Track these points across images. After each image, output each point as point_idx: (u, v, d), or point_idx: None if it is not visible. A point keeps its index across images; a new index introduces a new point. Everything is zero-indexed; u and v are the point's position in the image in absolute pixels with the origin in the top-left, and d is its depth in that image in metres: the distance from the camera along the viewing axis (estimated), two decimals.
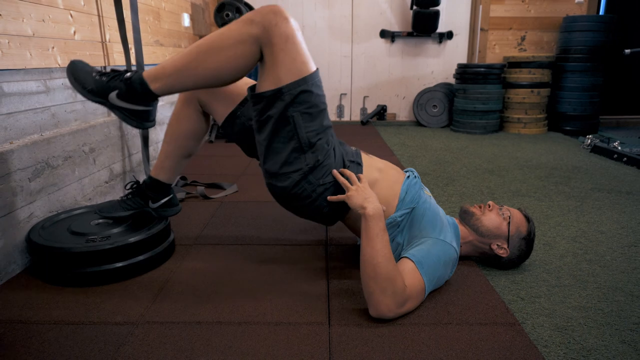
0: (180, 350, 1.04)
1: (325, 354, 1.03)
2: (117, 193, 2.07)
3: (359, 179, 1.28)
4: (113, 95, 1.20)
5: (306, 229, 1.77)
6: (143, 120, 1.24)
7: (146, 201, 1.51)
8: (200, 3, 3.69)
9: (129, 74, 1.20)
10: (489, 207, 1.45)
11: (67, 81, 1.76)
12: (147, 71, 1.20)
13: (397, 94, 4.61)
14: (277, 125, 1.22)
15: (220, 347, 1.06)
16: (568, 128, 4.02)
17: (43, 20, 1.57)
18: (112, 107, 1.22)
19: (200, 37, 3.66)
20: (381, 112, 4.59)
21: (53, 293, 1.29)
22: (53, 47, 1.63)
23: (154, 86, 1.19)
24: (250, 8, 3.71)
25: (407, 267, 1.20)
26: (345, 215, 1.36)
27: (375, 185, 1.33)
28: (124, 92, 1.19)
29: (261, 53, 1.18)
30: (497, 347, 1.07)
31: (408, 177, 1.42)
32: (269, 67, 1.19)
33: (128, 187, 1.56)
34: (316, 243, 1.65)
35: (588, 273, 1.46)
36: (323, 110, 1.26)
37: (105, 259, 1.34)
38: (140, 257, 1.39)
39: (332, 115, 4.65)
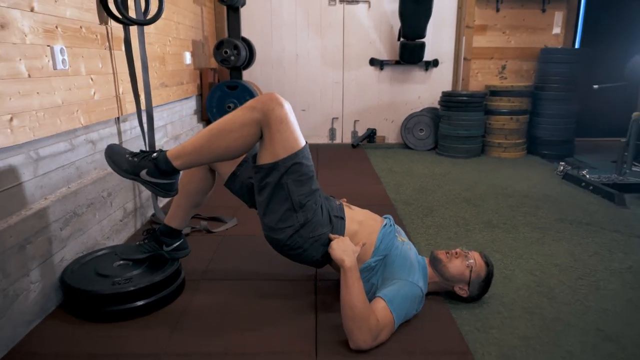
0: None
1: None
2: (130, 229, 2.32)
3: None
4: (144, 173, 1.48)
5: (297, 265, 2.02)
6: (168, 190, 1.53)
7: (160, 245, 1.77)
8: (200, 39, 3.95)
9: (155, 154, 1.47)
10: (456, 254, 1.70)
11: (88, 137, 2.01)
12: (170, 151, 1.48)
13: (386, 118, 4.89)
14: (274, 190, 1.49)
15: None
16: (545, 152, 4.29)
17: (70, 89, 1.82)
18: (143, 182, 1.50)
19: (200, 70, 3.92)
20: (371, 135, 4.86)
21: (86, 329, 1.54)
22: (77, 110, 1.88)
23: (176, 163, 1.47)
24: (247, 43, 3.99)
25: (380, 305, 1.46)
26: (332, 261, 1.62)
27: (355, 236, 1.60)
28: (152, 170, 1.47)
29: (261, 132, 1.45)
30: None
31: (385, 225, 1.68)
32: (267, 143, 1.46)
33: (145, 233, 1.81)
34: (307, 278, 1.91)
35: (536, 305, 1.72)
36: (311, 177, 1.52)
37: (129, 299, 1.59)
38: (158, 296, 1.64)
39: (325, 138, 4.92)
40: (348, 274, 1.44)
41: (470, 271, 1.65)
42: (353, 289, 1.42)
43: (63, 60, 1.75)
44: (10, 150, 1.51)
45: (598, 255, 2.16)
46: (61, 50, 1.74)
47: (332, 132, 4.92)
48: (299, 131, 1.50)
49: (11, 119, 1.47)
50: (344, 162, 4.12)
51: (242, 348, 1.44)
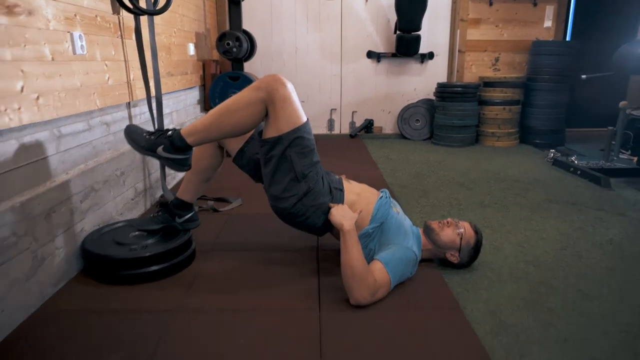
0: (210, 329, 1.43)
1: (317, 330, 1.43)
2: (141, 207, 2.45)
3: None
4: (160, 149, 1.62)
5: (300, 238, 2.16)
6: (182, 165, 1.67)
7: (173, 217, 1.90)
8: (203, 31, 4.07)
9: (170, 132, 1.62)
10: (447, 223, 1.84)
11: (102, 119, 2.14)
12: (183, 129, 1.62)
13: (383, 109, 5.02)
14: (279, 162, 1.62)
15: (239, 327, 1.45)
16: (537, 141, 4.44)
17: (87, 73, 1.95)
18: (159, 158, 1.65)
19: (203, 62, 4.05)
20: (368, 126, 5.00)
21: (107, 290, 1.68)
22: (94, 93, 2.01)
23: (189, 140, 1.60)
24: (248, 36, 4.11)
25: (377, 267, 1.60)
26: (332, 228, 1.76)
27: (353, 205, 1.74)
28: (168, 147, 1.61)
29: (266, 110, 1.58)
30: (442, 325, 1.47)
31: (381, 197, 1.82)
32: (272, 120, 1.59)
33: (159, 206, 1.94)
34: (310, 249, 2.05)
35: (523, 271, 1.86)
36: (313, 150, 1.65)
37: (145, 263, 1.72)
38: (172, 262, 1.78)
39: (323, 129, 5.05)
40: (347, 236, 1.58)
41: (461, 239, 1.78)
42: (352, 250, 1.55)
43: (82, 46, 1.87)
44: (37, 126, 1.63)
45: (582, 230, 2.30)
46: (80, 37, 1.87)
47: (330, 123, 5.05)
48: (301, 108, 1.63)
49: (37, 98, 1.60)
50: (342, 151, 4.26)
51: (253, 305, 1.58)
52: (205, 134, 1.63)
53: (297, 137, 1.60)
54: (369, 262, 1.63)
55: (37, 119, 1.60)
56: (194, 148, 1.67)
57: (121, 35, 2.29)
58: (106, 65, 2.13)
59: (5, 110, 1.43)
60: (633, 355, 1.34)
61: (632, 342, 1.40)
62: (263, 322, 1.48)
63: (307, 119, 1.66)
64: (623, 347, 1.37)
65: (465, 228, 1.82)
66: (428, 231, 1.84)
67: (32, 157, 1.60)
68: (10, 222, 1.41)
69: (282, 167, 1.63)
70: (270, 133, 1.61)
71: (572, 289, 1.72)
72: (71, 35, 1.82)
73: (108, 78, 2.14)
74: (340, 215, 1.63)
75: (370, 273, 1.55)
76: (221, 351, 1.34)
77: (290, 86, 1.60)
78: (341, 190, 1.76)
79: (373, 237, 1.73)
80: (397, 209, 1.85)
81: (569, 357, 1.33)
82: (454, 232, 1.81)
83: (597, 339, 1.42)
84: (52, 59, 1.70)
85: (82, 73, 1.91)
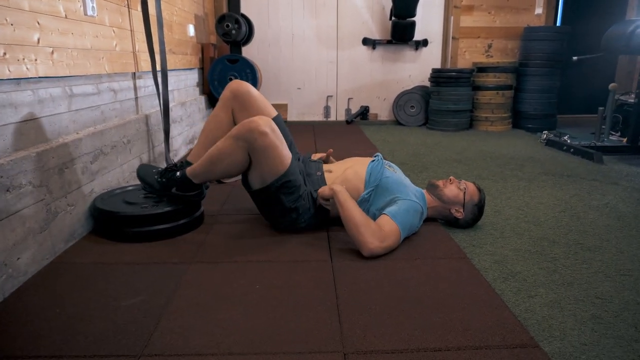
0: (226, 277, 1.46)
1: (331, 278, 1.46)
2: None
3: None
4: (174, 190, 1.78)
5: None
6: (198, 199, 1.85)
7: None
8: (202, 14, 4.09)
9: (178, 174, 1.76)
10: (450, 181, 1.90)
11: (110, 85, 2.15)
12: (188, 170, 1.76)
13: (378, 96, 5.08)
14: (270, 204, 1.76)
15: (254, 275, 1.48)
16: (530, 125, 4.53)
17: (97, 36, 1.96)
18: (176, 197, 1.79)
19: (202, 45, 4.06)
20: (364, 113, 5.05)
21: (119, 246, 1.69)
22: (103, 58, 2.02)
23: (195, 181, 1.76)
24: (246, 19, 4.13)
25: (384, 219, 1.64)
26: (330, 215, 1.82)
27: (346, 177, 1.81)
28: (180, 187, 1.78)
29: (249, 156, 1.67)
30: (451, 271, 1.52)
31: (373, 160, 1.86)
32: (256, 167, 1.69)
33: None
34: None
35: (525, 229, 1.92)
36: (298, 186, 1.74)
37: (156, 220, 1.74)
38: (182, 221, 1.80)
39: (320, 116, 5.09)
40: (339, 195, 1.65)
41: (464, 194, 1.83)
42: (347, 205, 1.63)
43: (92, 7, 1.89)
44: (51, 80, 1.65)
45: (578, 196, 2.38)
46: None
47: (326, 110, 5.09)
48: (283, 151, 1.68)
49: (52, 52, 1.62)
50: (339, 135, 4.30)
51: (266, 258, 1.61)
52: (207, 177, 1.80)
53: (283, 182, 1.69)
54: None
55: (51, 73, 1.61)
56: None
57: (128, 5, 2.30)
58: (114, 32, 2.14)
59: (23, 59, 1.45)
60: (636, 293, 1.40)
61: (634, 283, 1.46)
62: (277, 271, 1.51)
63: (291, 157, 1.72)
64: (626, 288, 1.43)
65: (467, 185, 1.87)
66: (432, 189, 1.89)
67: (46, 112, 1.62)
68: (28, 170, 1.43)
69: (274, 206, 1.76)
70: (256, 183, 1.73)
71: (573, 242, 1.78)
72: None
73: (115, 45, 2.16)
74: (328, 187, 1.72)
75: (370, 220, 1.62)
76: (239, 294, 1.36)
77: (270, 130, 1.63)
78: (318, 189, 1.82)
79: (371, 202, 1.77)
80: (393, 169, 1.89)
81: (574, 296, 1.38)
82: (457, 187, 1.86)
83: (600, 281, 1.47)
84: (66, 16, 1.71)
85: (92, 35, 1.92)
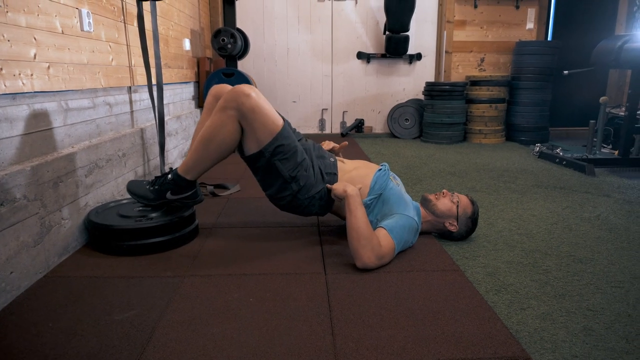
0: (220, 290, 1.46)
1: (324, 291, 1.47)
2: None
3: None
4: (169, 194, 1.74)
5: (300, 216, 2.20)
6: (194, 199, 1.80)
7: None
8: (198, 29, 4.13)
9: (169, 176, 1.73)
10: (443, 194, 1.92)
11: (106, 99, 2.17)
12: (179, 168, 1.73)
13: (373, 109, 5.12)
14: (266, 171, 1.72)
15: (248, 288, 1.48)
16: (522, 138, 4.58)
17: (93, 51, 1.99)
18: (171, 202, 1.76)
19: (198, 59, 4.10)
20: (359, 125, 5.09)
21: (113, 259, 1.69)
22: (99, 72, 2.04)
23: (188, 177, 1.72)
24: (242, 34, 4.18)
25: (381, 233, 1.65)
26: (332, 208, 1.83)
27: (352, 177, 1.80)
28: (174, 189, 1.74)
29: (241, 125, 1.64)
30: (444, 283, 1.52)
31: (380, 169, 1.88)
32: (249, 133, 1.66)
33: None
34: (310, 225, 2.09)
35: (517, 241, 1.94)
36: (295, 152, 1.71)
37: (151, 234, 1.74)
38: (177, 234, 1.80)
39: (315, 129, 5.12)
40: (350, 200, 1.63)
41: (457, 206, 1.85)
42: (356, 213, 1.60)
43: (89, 23, 1.91)
44: (47, 95, 1.66)
45: (570, 208, 2.40)
46: (87, 14, 1.91)
47: (321, 123, 5.13)
48: (273, 113, 1.68)
49: (48, 67, 1.63)
50: None
51: (260, 270, 1.61)
52: (200, 167, 1.73)
53: (277, 145, 1.66)
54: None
55: (47, 88, 1.63)
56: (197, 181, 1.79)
57: (124, 20, 2.33)
58: (110, 47, 2.16)
59: (19, 74, 1.46)
60: (626, 305, 1.41)
61: (625, 295, 1.47)
62: (271, 284, 1.51)
63: (284, 120, 1.72)
64: (617, 300, 1.44)
65: (460, 197, 1.89)
66: (425, 202, 1.90)
67: (41, 126, 1.63)
68: (22, 184, 1.43)
69: (270, 174, 1.72)
70: (251, 148, 1.68)
71: (565, 254, 1.80)
72: (80, 11, 1.86)
73: (112, 60, 2.18)
74: (343, 185, 1.70)
75: (374, 235, 1.60)
76: (233, 308, 1.37)
77: (254, 93, 1.63)
78: (335, 174, 1.83)
79: (372, 209, 1.78)
80: (397, 182, 1.91)
81: (566, 308, 1.39)
82: (450, 200, 1.88)
83: (591, 293, 1.49)
84: (62, 32, 1.73)
85: (89, 50, 1.94)
